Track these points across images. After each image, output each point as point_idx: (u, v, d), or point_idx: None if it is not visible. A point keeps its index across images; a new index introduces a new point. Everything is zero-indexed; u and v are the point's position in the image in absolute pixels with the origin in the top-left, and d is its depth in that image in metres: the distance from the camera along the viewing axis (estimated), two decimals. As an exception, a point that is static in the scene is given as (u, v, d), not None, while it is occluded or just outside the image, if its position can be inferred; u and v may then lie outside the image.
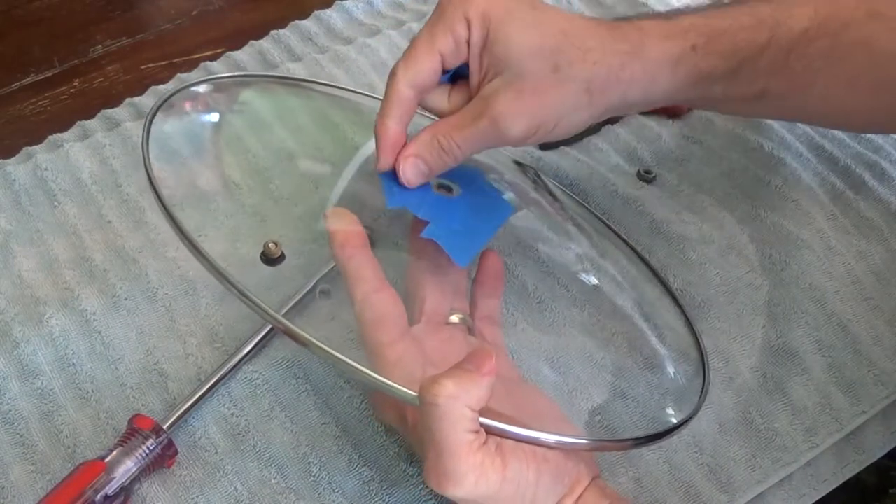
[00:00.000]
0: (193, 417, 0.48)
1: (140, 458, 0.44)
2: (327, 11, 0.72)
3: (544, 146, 0.63)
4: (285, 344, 0.51)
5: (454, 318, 0.47)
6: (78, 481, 0.43)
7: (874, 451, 0.51)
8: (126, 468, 0.44)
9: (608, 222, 0.58)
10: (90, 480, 0.43)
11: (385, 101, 0.47)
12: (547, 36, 0.46)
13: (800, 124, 0.64)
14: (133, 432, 0.45)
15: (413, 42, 0.47)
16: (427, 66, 0.46)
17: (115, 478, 0.43)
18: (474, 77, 0.47)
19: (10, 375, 0.49)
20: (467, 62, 0.47)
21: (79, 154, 0.59)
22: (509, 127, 0.45)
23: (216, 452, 0.47)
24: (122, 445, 0.44)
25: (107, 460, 0.44)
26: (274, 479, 0.46)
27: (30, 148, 0.60)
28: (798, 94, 0.49)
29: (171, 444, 0.46)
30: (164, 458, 0.45)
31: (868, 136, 0.63)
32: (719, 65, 0.47)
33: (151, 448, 0.45)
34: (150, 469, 0.45)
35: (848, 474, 0.50)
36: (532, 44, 0.45)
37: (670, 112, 0.66)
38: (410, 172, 0.47)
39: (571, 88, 0.46)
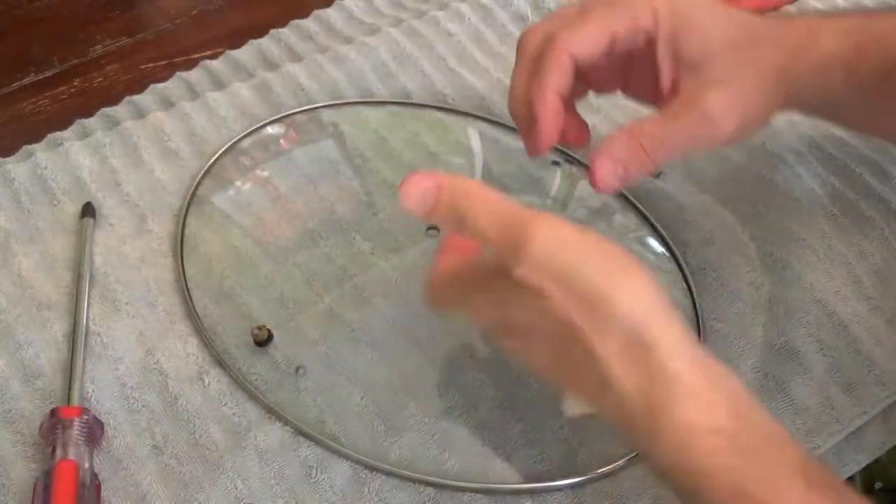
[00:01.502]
0: (194, 415, 0.48)
1: (83, 440, 0.45)
2: (327, 10, 0.72)
3: None
4: (285, 343, 0.51)
5: None
6: (69, 486, 0.43)
7: (874, 451, 0.51)
8: (83, 453, 0.44)
9: (611, 220, 0.58)
10: (77, 481, 0.43)
11: (544, 68, 0.43)
12: (737, 28, 0.45)
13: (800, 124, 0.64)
14: (59, 423, 0.45)
15: (580, 14, 0.44)
16: (594, 39, 0.43)
17: (87, 468, 0.44)
18: (665, 76, 0.45)
19: (12, 376, 0.49)
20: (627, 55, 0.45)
21: (78, 153, 0.59)
22: (722, 123, 0.44)
23: (216, 450, 0.47)
24: (65, 439, 0.45)
25: (73, 457, 0.44)
26: (274, 479, 0.46)
27: (29, 146, 0.60)
28: None
29: (96, 419, 0.46)
30: (96, 432, 0.46)
31: (868, 135, 0.63)
32: (877, 68, 0.46)
33: (83, 426, 0.45)
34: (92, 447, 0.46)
35: (847, 474, 0.51)
36: (728, 36, 0.44)
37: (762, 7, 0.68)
38: (607, 177, 0.43)
39: (768, 78, 0.45)
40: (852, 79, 0.46)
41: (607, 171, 0.43)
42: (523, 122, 0.47)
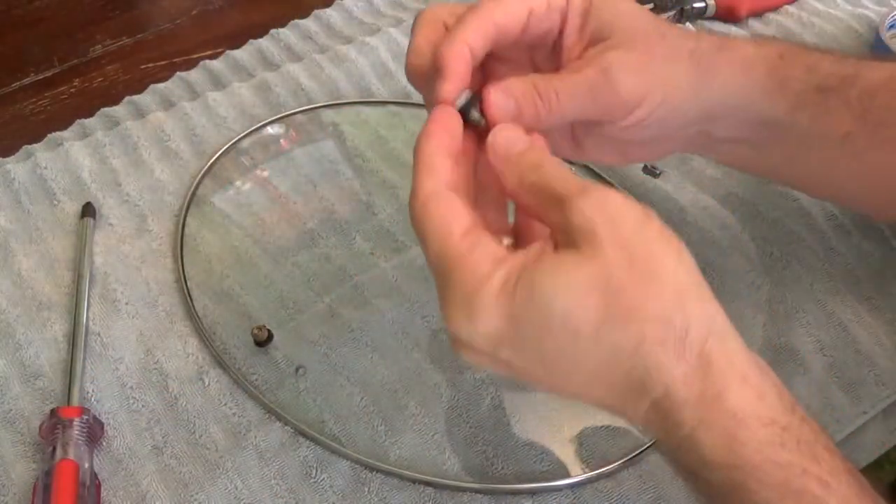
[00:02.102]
0: (195, 415, 0.48)
1: (84, 440, 0.45)
2: (327, 10, 0.73)
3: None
4: (285, 343, 0.51)
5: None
6: (69, 486, 0.43)
7: (874, 451, 0.51)
8: (83, 453, 0.44)
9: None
10: (77, 481, 0.43)
11: (463, 24, 0.40)
12: (651, 15, 0.45)
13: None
14: (59, 423, 0.45)
15: None
16: (516, 12, 0.42)
17: (87, 468, 0.44)
18: (573, 48, 0.44)
19: (12, 376, 0.49)
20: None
21: (78, 153, 0.59)
22: (621, 79, 0.42)
23: (216, 450, 0.47)
24: (66, 439, 0.45)
25: (73, 457, 0.44)
26: (273, 479, 0.46)
27: (29, 146, 0.60)
28: (879, 151, 0.46)
29: (96, 419, 0.46)
30: (96, 432, 0.46)
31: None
32: (806, 78, 0.45)
33: (83, 426, 0.45)
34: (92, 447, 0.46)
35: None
36: (638, 10, 0.44)
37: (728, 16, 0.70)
38: (498, 102, 0.40)
39: (680, 54, 0.44)
40: (776, 81, 0.45)
41: (498, 99, 0.41)
42: (425, 76, 0.42)
